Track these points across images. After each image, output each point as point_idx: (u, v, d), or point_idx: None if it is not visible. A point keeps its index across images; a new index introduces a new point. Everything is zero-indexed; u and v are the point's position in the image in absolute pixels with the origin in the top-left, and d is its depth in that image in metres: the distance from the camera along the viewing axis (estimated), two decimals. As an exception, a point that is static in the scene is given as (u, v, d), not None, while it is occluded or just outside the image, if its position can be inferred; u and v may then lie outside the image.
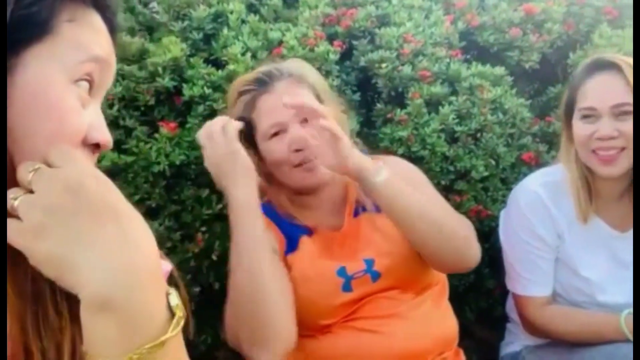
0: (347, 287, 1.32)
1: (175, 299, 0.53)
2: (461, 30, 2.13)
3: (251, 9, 2.16)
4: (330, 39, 2.04)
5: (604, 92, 1.34)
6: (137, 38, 1.87)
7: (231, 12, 2.02)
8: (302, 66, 1.45)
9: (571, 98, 1.43)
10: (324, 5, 2.12)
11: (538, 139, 2.00)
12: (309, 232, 1.38)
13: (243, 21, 2.04)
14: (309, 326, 1.32)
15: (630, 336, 1.29)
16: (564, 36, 2.19)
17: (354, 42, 2.05)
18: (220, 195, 1.75)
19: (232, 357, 1.80)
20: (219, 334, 1.77)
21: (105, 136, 0.61)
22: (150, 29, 2.13)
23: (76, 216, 0.50)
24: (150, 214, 1.69)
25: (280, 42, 1.97)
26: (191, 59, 1.85)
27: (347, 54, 2.05)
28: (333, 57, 1.92)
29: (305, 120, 1.32)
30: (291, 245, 1.36)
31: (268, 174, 1.39)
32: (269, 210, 1.40)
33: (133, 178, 1.66)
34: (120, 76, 1.78)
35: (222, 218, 1.73)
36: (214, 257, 1.71)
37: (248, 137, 1.38)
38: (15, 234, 0.50)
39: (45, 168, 0.52)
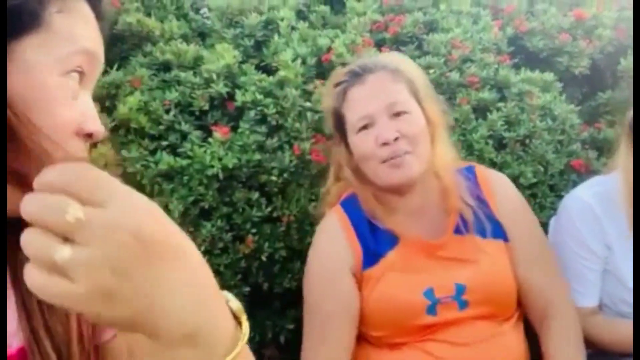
0: (431, 311, 1.25)
1: (235, 303, 0.51)
2: (510, 36, 2.13)
3: (300, 15, 2.21)
4: (378, 45, 2.06)
5: None
6: (192, 45, 1.93)
7: (282, 19, 2.07)
8: (401, 60, 1.40)
9: None
10: (372, 12, 2.15)
11: (587, 145, 1.99)
12: (394, 239, 1.30)
13: (293, 28, 2.09)
14: (381, 339, 1.29)
15: None
16: (615, 42, 2.17)
17: (402, 48, 2.07)
18: (269, 198, 1.80)
19: (279, 356, 1.85)
20: (266, 332, 1.82)
21: (96, 126, 0.61)
22: (203, 35, 2.20)
23: (148, 267, 0.43)
24: (203, 215, 1.75)
25: (329, 49, 2.01)
26: (243, 66, 1.91)
27: (394, 60, 2.08)
28: (381, 63, 1.94)
29: (396, 114, 1.28)
30: (372, 258, 1.28)
31: (356, 168, 1.34)
32: (353, 208, 1.34)
33: (188, 180, 1.72)
34: (176, 82, 1.86)
35: (271, 220, 1.78)
36: (263, 258, 1.75)
37: (339, 129, 1.35)
38: (73, 301, 0.42)
39: (93, 217, 0.41)
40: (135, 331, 0.45)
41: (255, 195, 1.77)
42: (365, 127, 1.29)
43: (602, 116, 2.13)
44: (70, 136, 0.59)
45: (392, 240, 1.30)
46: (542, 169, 1.87)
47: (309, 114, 1.83)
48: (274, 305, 1.85)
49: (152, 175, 1.71)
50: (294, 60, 1.91)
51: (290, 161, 1.77)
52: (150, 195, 1.72)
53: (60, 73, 0.58)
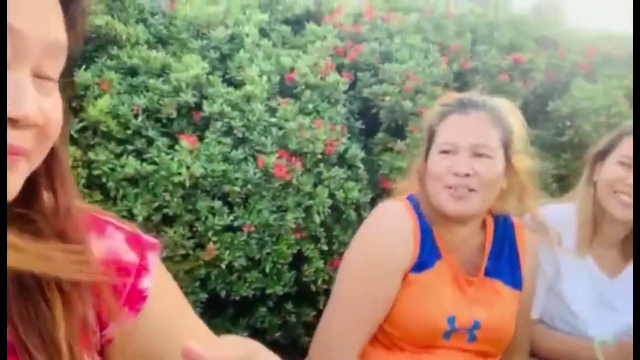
0: (447, 336, 1.34)
1: None
2: (455, 72, 2.32)
3: (262, 33, 2.29)
4: (337, 69, 2.18)
5: None
6: (160, 53, 1.96)
7: (247, 35, 2.14)
8: (508, 109, 1.43)
9: (611, 146, 1.54)
10: (332, 37, 2.27)
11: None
12: (438, 255, 1.36)
13: (257, 45, 2.16)
14: (387, 338, 1.35)
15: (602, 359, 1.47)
16: (545, 84, 2.42)
17: (359, 74, 2.20)
18: (232, 208, 1.85)
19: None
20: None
21: (18, 110, 0.53)
22: (162, 42, 2.22)
23: None
24: (166, 222, 1.77)
25: (292, 68, 2.11)
26: (210, 77, 1.96)
27: (350, 85, 2.20)
28: (342, 87, 2.06)
29: (478, 154, 1.33)
30: (421, 265, 1.34)
31: (424, 181, 1.40)
32: (417, 208, 1.38)
33: (153, 186, 1.74)
34: (144, 88, 1.87)
35: (232, 229, 1.83)
36: (223, 267, 1.80)
37: (427, 142, 1.42)
38: None
39: None
40: None
41: (218, 204, 1.81)
42: (447, 152, 1.35)
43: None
44: None
45: (437, 254, 1.36)
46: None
47: (274, 129, 1.91)
48: (228, 312, 1.90)
49: (118, 179, 1.71)
50: (260, 76, 1.98)
51: (254, 173, 1.83)
52: (115, 199, 1.73)
53: None
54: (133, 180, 1.74)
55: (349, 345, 1.31)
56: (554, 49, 2.51)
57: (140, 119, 1.80)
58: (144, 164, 1.74)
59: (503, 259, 1.43)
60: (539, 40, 2.59)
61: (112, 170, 1.71)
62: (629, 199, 1.46)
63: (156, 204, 1.74)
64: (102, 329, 0.69)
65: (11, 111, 0.52)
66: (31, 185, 0.58)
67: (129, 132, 1.78)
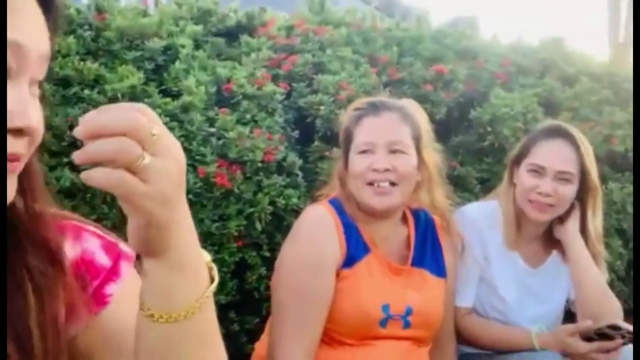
0: (383, 324, 1.43)
1: (204, 252, 0.63)
2: (384, 82, 2.43)
3: (196, 44, 2.30)
4: (273, 80, 2.23)
5: (555, 156, 1.61)
6: (95, 63, 1.93)
7: (182, 46, 2.15)
8: (414, 108, 1.57)
9: (524, 151, 1.68)
10: (266, 49, 2.32)
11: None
12: (366, 248, 1.46)
13: (192, 56, 2.17)
14: (327, 334, 1.41)
15: (538, 347, 1.58)
16: (466, 94, 2.58)
17: (294, 85, 2.26)
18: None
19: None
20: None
21: (24, 120, 0.58)
22: (90, 52, 2.18)
23: (182, 188, 0.56)
24: (105, 234, 1.74)
25: (228, 79, 2.13)
26: (147, 88, 1.95)
27: (286, 95, 2.26)
28: (279, 96, 2.11)
29: (393, 151, 1.45)
30: (350, 260, 1.43)
31: (345, 182, 1.50)
32: (339, 209, 1.47)
33: (91, 198, 1.71)
34: (77, 99, 1.84)
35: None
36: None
37: (345, 145, 1.51)
38: (141, 197, 0.53)
39: (164, 136, 0.54)
40: (155, 241, 0.56)
41: (159, 215, 1.80)
42: (365, 152, 1.46)
43: (455, 157, 2.51)
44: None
45: (364, 248, 1.46)
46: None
47: (213, 139, 1.93)
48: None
49: (54, 192, 1.67)
50: (197, 86, 2.00)
51: (194, 183, 1.84)
52: (51, 212, 1.68)
53: None
54: (69, 193, 1.70)
55: (303, 348, 1.36)
56: (473, 60, 2.68)
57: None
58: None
59: (427, 251, 1.57)
60: (458, 52, 2.75)
61: (47, 183, 1.65)
62: (542, 204, 1.61)
63: (94, 216, 1.71)
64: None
65: (17, 121, 0.57)
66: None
67: (63, 144, 1.74)
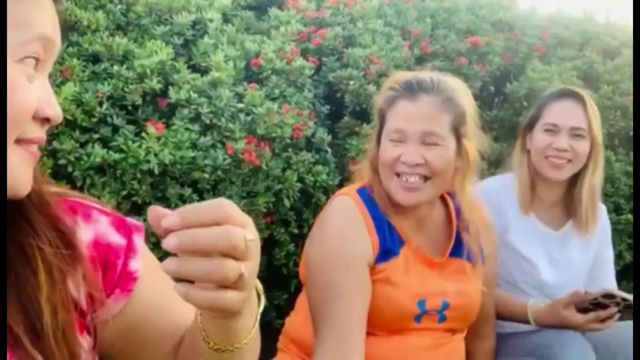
0: (418, 319, 1.35)
1: (259, 284, 0.65)
2: (417, 56, 2.37)
3: (225, 18, 2.28)
4: (302, 54, 2.19)
5: (567, 114, 1.67)
6: (123, 39, 1.92)
7: (210, 21, 2.12)
8: (458, 89, 1.38)
9: (537, 114, 1.72)
10: (296, 22, 2.27)
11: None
12: (401, 241, 1.37)
13: (221, 30, 2.15)
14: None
15: (532, 320, 1.58)
16: (502, 67, 2.50)
17: (324, 59, 2.22)
18: (202, 195, 1.85)
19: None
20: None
21: (54, 110, 0.61)
22: (120, 28, 2.17)
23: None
24: (135, 210, 1.75)
25: (258, 54, 2.11)
26: (176, 63, 1.94)
27: (315, 70, 2.22)
28: (308, 71, 2.08)
29: (428, 143, 1.32)
30: (385, 254, 1.34)
31: (377, 168, 1.39)
32: (368, 200, 1.37)
33: (121, 175, 1.72)
34: (108, 75, 1.84)
35: (203, 216, 1.83)
36: (195, 253, 1.80)
37: (379, 127, 1.39)
38: (240, 304, 0.57)
39: (255, 238, 0.56)
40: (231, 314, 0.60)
41: (188, 191, 1.81)
42: (397, 140, 1.34)
43: (490, 132, 2.44)
44: (28, 121, 0.60)
45: (399, 241, 1.36)
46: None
47: (241, 115, 1.91)
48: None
49: (84, 168, 1.69)
50: (225, 62, 1.98)
51: (223, 159, 1.83)
52: (82, 189, 1.70)
53: (15, 59, 0.58)
54: (100, 169, 1.71)
55: (357, 328, 1.28)
56: (510, 32, 2.59)
57: (105, 106, 1.77)
58: (111, 152, 1.71)
59: (463, 237, 1.44)
60: (495, 24, 2.66)
61: (78, 159, 1.68)
62: (559, 161, 1.65)
63: (125, 192, 1.72)
64: (93, 311, 0.71)
65: (48, 111, 0.61)
66: None
67: (94, 120, 1.75)
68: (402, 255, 1.36)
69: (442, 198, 1.47)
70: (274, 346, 1.52)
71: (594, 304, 1.50)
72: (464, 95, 1.38)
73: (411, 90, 1.34)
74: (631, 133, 2.60)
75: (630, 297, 1.48)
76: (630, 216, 2.47)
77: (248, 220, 0.55)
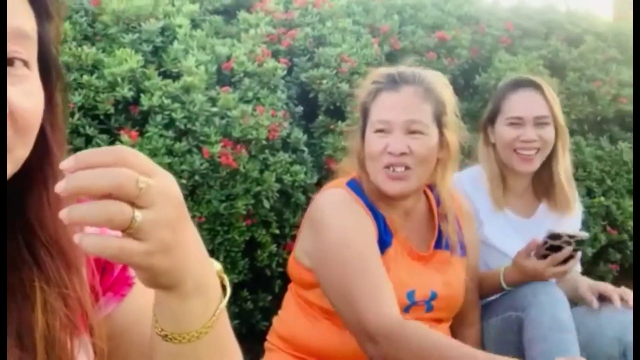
0: (407, 310, 1.36)
1: (216, 263, 0.60)
2: (386, 53, 2.39)
3: (194, 24, 2.27)
4: (274, 56, 2.20)
5: (529, 105, 1.68)
6: (93, 49, 1.90)
7: (179, 27, 2.11)
8: (437, 81, 1.42)
9: (496, 107, 1.73)
10: (265, 25, 2.28)
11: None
12: (390, 233, 1.39)
13: (190, 36, 2.14)
14: None
15: (505, 285, 1.59)
16: (470, 60, 2.54)
17: (295, 60, 2.23)
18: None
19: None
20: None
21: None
22: (87, 38, 2.15)
23: (186, 227, 0.53)
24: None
25: (229, 57, 2.10)
26: (146, 71, 1.93)
27: (287, 70, 2.23)
28: (280, 73, 2.08)
29: (412, 132, 1.34)
30: (383, 244, 1.36)
31: (363, 161, 1.40)
32: (361, 193, 1.38)
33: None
34: (79, 85, 1.82)
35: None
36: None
37: (362, 121, 1.40)
38: (142, 257, 0.49)
39: (153, 184, 0.49)
40: (163, 283, 0.53)
41: (166, 198, 1.79)
42: (382, 131, 1.36)
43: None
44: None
45: (390, 233, 1.39)
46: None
47: (216, 119, 1.91)
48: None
49: (59, 180, 1.66)
50: (197, 66, 1.97)
51: (201, 164, 1.83)
52: (58, 201, 1.68)
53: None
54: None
55: (389, 302, 1.28)
56: (475, 25, 2.63)
57: (76, 116, 1.75)
58: (86, 163, 1.69)
59: (442, 227, 1.47)
60: (460, 18, 2.70)
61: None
62: (528, 152, 1.67)
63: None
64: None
65: None
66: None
67: (66, 130, 1.73)
68: (393, 246, 1.38)
69: (424, 192, 1.49)
70: (261, 348, 1.52)
71: (549, 248, 1.54)
72: (443, 87, 1.43)
73: (393, 82, 1.38)
74: (599, 118, 2.67)
75: (578, 233, 1.58)
76: (602, 199, 2.53)
77: (153, 168, 0.50)
